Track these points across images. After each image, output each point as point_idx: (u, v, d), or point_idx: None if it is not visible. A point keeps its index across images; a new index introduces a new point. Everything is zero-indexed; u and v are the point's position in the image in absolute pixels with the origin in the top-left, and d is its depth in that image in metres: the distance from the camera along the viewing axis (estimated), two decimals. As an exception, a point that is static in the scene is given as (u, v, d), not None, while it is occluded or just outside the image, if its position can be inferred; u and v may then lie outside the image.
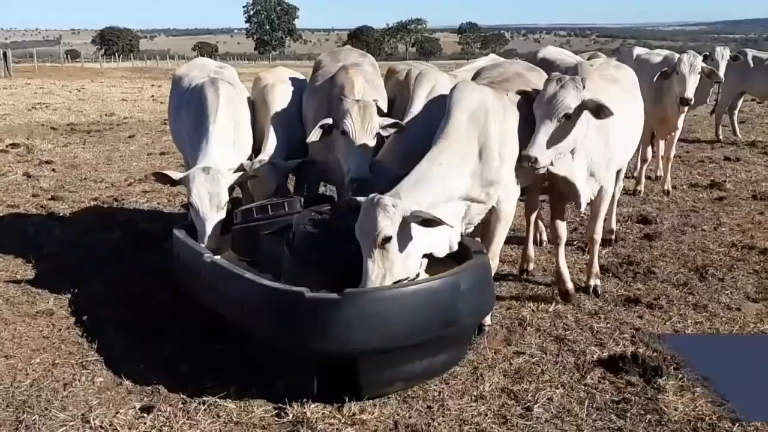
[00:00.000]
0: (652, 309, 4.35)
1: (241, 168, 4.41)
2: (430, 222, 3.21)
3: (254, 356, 3.51)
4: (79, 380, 3.49)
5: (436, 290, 3.20)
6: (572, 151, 4.02)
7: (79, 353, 3.79)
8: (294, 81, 5.31)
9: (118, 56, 66.39)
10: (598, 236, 4.74)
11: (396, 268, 3.19)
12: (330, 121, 4.17)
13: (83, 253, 5.46)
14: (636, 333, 4.00)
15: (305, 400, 3.17)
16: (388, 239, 3.15)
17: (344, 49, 5.59)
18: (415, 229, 3.25)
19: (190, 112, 4.82)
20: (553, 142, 3.76)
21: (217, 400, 3.24)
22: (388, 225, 3.15)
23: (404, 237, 3.22)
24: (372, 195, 3.25)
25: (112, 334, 3.98)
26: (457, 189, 3.57)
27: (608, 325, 4.13)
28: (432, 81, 4.24)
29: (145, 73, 35.81)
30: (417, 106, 4.14)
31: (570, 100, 3.75)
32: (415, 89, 4.22)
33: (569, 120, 3.78)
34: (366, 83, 4.67)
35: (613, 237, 5.82)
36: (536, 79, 4.35)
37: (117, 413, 3.18)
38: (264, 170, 4.55)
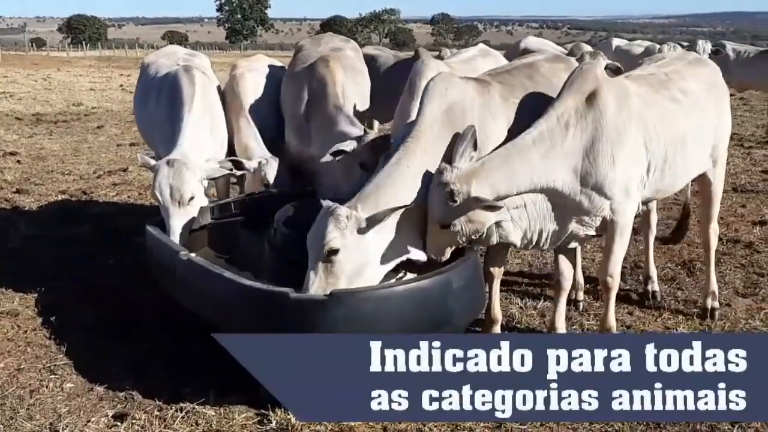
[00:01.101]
0: (642, 305, 4.27)
1: (237, 164, 4.20)
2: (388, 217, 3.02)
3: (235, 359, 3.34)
4: (46, 386, 3.30)
5: (427, 289, 3.06)
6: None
7: (46, 357, 3.59)
8: (270, 69, 5.15)
9: (86, 45, 64.89)
10: (614, 280, 3.55)
11: (340, 283, 2.99)
12: (348, 148, 3.80)
13: (50, 249, 5.22)
14: (626, 331, 3.91)
15: (289, 405, 3.01)
16: (334, 252, 2.96)
17: (326, 35, 5.45)
18: (379, 241, 3.05)
19: (161, 101, 4.61)
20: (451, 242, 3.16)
21: (196, 406, 3.08)
22: (336, 237, 2.95)
23: (357, 251, 3.00)
24: (329, 204, 3.05)
25: (82, 336, 3.77)
26: (423, 195, 3.15)
27: (598, 323, 4.02)
28: (435, 72, 4.03)
29: (114, 62, 35.04)
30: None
31: (442, 213, 3.03)
32: (417, 81, 4.04)
33: (453, 226, 3.06)
34: (346, 72, 4.57)
35: (648, 282, 4.44)
36: (550, 70, 3.77)
37: (88, 422, 3.01)
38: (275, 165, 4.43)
